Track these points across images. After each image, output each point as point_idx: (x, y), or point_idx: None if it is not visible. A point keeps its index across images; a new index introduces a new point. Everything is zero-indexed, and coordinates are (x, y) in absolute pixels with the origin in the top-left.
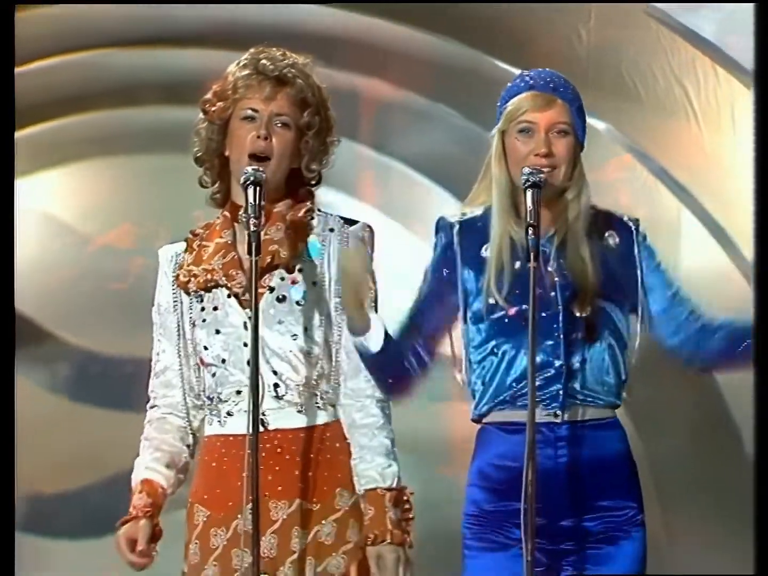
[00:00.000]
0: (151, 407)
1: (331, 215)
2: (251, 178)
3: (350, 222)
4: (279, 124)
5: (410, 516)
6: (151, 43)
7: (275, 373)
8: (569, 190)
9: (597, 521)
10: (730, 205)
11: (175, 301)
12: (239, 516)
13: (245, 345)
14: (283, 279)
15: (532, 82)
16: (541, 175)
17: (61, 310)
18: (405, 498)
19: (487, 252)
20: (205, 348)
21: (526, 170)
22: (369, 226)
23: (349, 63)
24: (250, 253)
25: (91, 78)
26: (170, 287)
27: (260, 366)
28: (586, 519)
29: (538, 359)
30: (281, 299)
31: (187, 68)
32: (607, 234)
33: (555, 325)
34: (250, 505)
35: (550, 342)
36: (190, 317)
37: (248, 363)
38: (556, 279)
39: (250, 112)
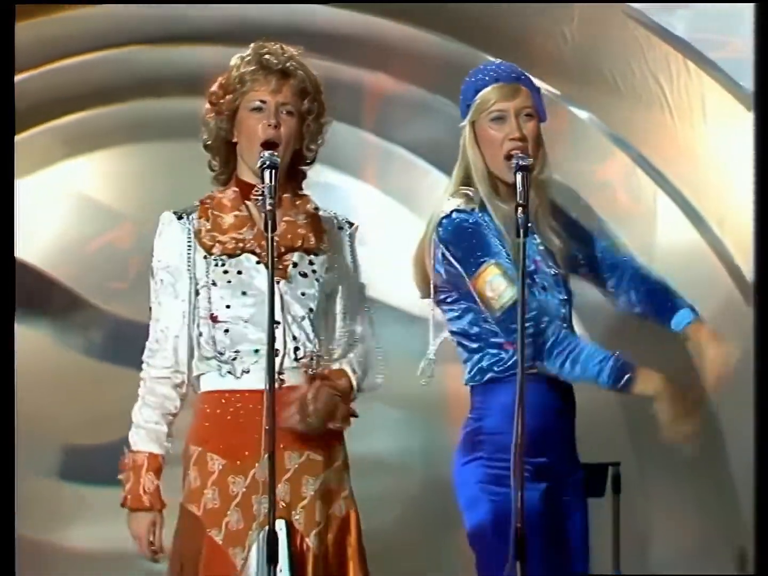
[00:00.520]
0: (149, 363)
1: (334, 214)
2: (267, 162)
3: (349, 222)
4: (284, 113)
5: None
6: (172, 41)
7: (294, 338)
8: (535, 168)
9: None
10: (701, 187)
11: (189, 262)
12: (257, 465)
13: (271, 306)
14: (303, 258)
15: (496, 75)
16: (529, 160)
17: (94, 280)
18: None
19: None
20: (227, 307)
21: (514, 156)
22: (356, 226)
23: (355, 59)
24: (266, 230)
25: (120, 72)
26: (184, 248)
27: (285, 330)
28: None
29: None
30: (303, 275)
31: (203, 63)
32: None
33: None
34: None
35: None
36: (207, 277)
37: (270, 326)
38: (542, 256)
39: (258, 103)
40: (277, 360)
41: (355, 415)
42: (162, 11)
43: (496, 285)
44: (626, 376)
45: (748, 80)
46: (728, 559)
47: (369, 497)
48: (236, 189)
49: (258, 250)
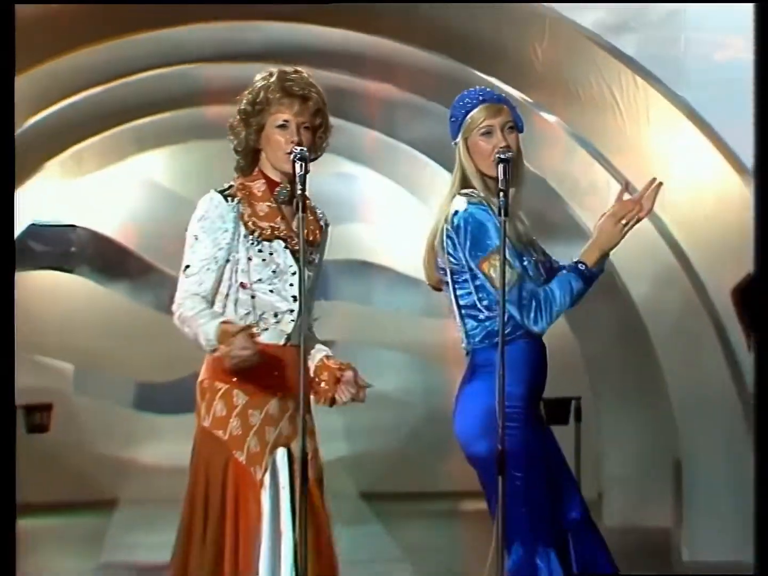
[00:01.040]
0: (181, 304)
1: (321, 212)
2: (299, 155)
3: (327, 223)
4: (303, 128)
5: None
6: (221, 60)
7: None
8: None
9: None
10: (645, 176)
11: (237, 235)
12: (270, 402)
13: (291, 285)
14: (313, 251)
15: (482, 97)
16: (509, 153)
17: (161, 250)
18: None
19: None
20: (259, 279)
21: (496, 153)
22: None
23: (367, 73)
24: (297, 210)
25: (181, 85)
26: (233, 223)
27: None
28: None
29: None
30: (310, 262)
31: (246, 77)
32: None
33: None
34: (279, 396)
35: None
36: (247, 253)
37: (293, 297)
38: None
39: (282, 122)
40: (292, 324)
41: (369, 385)
42: (213, 35)
43: (498, 268)
44: (593, 271)
45: (748, 80)
46: (667, 470)
47: (377, 427)
48: (264, 182)
49: (286, 237)
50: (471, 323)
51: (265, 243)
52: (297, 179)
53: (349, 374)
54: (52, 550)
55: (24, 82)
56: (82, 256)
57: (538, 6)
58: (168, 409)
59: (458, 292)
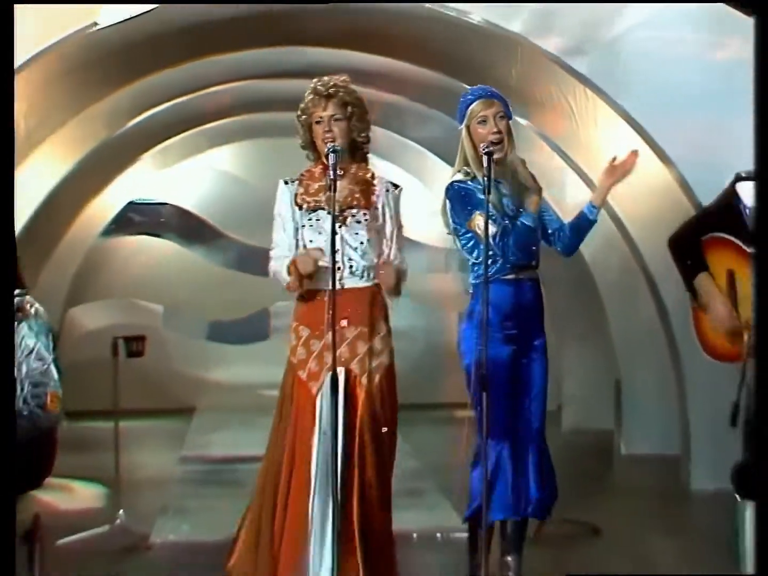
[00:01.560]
0: (273, 259)
1: (385, 179)
2: (330, 149)
3: (395, 185)
4: (334, 120)
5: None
6: (275, 77)
7: (350, 259)
8: (508, 146)
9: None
10: (594, 166)
11: (293, 211)
12: (328, 334)
13: (332, 242)
14: (359, 211)
15: (480, 94)
16: (490, 148)
17: (229, 221)
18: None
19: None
20: (310, 241)
21: (482, 147)
22: (401, 188)
23: (385, 87)
24: (329, 190)
25: (242, 96)
26: (290, 203)
27: (342, 254)
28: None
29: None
30: (358, 222)
31: (294, 90)
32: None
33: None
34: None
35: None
36: (301, 221)
37: (332, 252)
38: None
39: (318, 118)
40: (338, 272)
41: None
42: (266, 57)
43: (481, 226)
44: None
45: (748, 80)
46: (610, 388)
47: None
48: (321, 167)
49: (326, 208)
50: (468, 265)
51: (313, 213)
52: (330, 167)
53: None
54: (145, 446)
55: (126, 94)
56: (168, 225)
57: (513, 35)
58: (232, 340)
59: (461, 243)
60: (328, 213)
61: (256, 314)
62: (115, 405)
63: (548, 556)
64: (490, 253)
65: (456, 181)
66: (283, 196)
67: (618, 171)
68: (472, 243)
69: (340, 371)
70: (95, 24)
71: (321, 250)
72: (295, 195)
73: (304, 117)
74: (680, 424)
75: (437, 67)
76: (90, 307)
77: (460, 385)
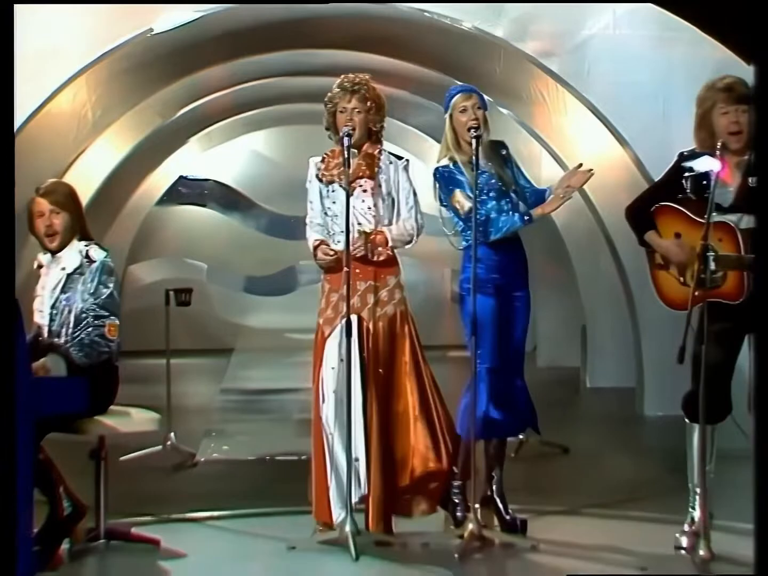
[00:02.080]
0: (310, 226)
1: (392, 153)
2: (345, 132)
3: (399, 157)
4: (356, 112)
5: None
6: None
7: (359, 223)
8: (484, 133)
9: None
10: (566, 147)
11: (318, 185)
12: (343, 287)
13: (347, 210)
14: (366, 182)
15: (461, 89)
16: (478, 132)
17: (261, 193)
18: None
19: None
20: (329, 208)
21: (471, 132)
22: (408, 161)
23: (390, 83)
24: (344, 165)
25: (273, 91)
26: (314, 177)
27: (354, 219)
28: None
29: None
30: (364, 191)
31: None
32: (503, 152)
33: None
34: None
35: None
36: (322, 193)
37: (346, 218)
38: (492, 180)
39: (342, 108)
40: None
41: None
42: (293, 58)
43: (461, 202)
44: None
45: (689, 74)
46: (577, 331)
47: None
48: (341, 147)
49: (339, 181)
50: (458, 232)
51: (330, 185)
52: (344, 148)
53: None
54: (192, 379)
55: (176, 88)
56: (211, 197)
57: (497, 39)
58: (264, 292)
59: (450, 214)
60: (341, 186)
61: (284, 271)
62: (166, 345)
63: (525, 471)
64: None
65: (440, 166)
66: (310, 171)
67: (570, 185)
68: (455, 216)
69: (354, 318)
70: (151, 30)
71: (333, 251)
72: (319, 170)
73: (330, 105)
74: (635, 362)
75: (434, 67)
76: (146, 264)
77: (453, 329)
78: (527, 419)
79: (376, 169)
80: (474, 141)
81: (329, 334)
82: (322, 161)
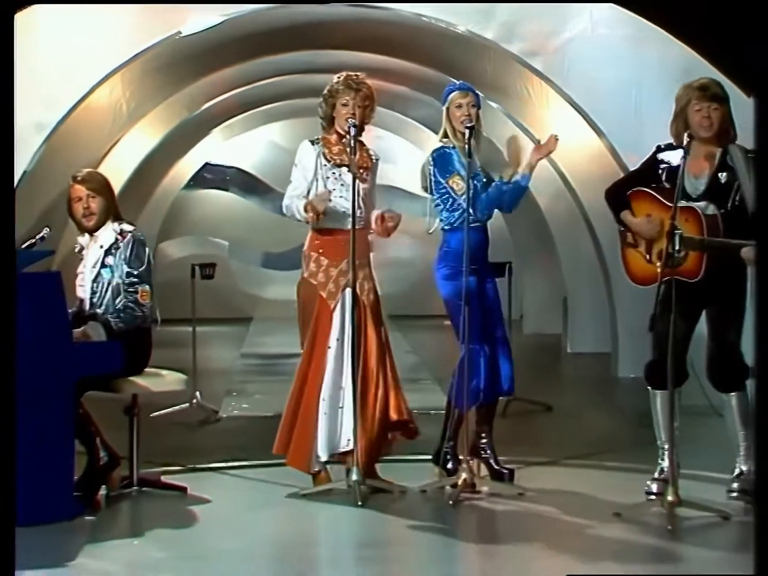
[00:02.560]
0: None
1: (373, 151)
2: (352, 123)
3: (377, 156)
4: (357, 107)
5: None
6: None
7: (359, 207)
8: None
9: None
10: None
11: (316, 164)
12: (342, 263)
13: (348, 192)
14: (365, 171)
15: (458, 87)
16: (471, 123)
17: (276, 178)
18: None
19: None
20: (334, 189)
21: (465, 122)
22: (378, 159)
23: (392, 80)
24: (352, 153)
25: (288, 87)
26: (315, 157)
27: (356, 202)
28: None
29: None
30: (363, 180)
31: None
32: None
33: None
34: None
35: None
36: (324, 173)
37: (353, 202)
38: (479, 168)
39: (345, 101)
40: (350, 216)
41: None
42: (303, 58)
43: (459, 184)
44: (525, 179)
45: (662, 71)
46: (559, 301)
47: (395, 278)
48: (337, 135)
49: (348, 165)
50: (442, 215)
51: (336, 168)
52: (350, 137)
53: (377, 214)
54: (214, 344)
55: (201, 84)
56: (232, 182)
57: (488, 41)
58: (280, 267)
59: (436, 196)
60: (348, 170)
61: (297, 248)
62: (192, 314)
63: (513, 427)
64: (464, 205)
65: (441, 147)
66: (309, 151)
67: (543, 149)
68: (446, 196)
69: (349, 291)
70: (179, 33)
71: (328, 191)
72: (323, 153)
73: (331, 98)
74: (610, 330)
75: (431, 65)
76: (175, 242)
77: None
78: (510, 387)
79: (369, 162)
80: (467, 131)
81: (335, 306)
82: (323, 145)
